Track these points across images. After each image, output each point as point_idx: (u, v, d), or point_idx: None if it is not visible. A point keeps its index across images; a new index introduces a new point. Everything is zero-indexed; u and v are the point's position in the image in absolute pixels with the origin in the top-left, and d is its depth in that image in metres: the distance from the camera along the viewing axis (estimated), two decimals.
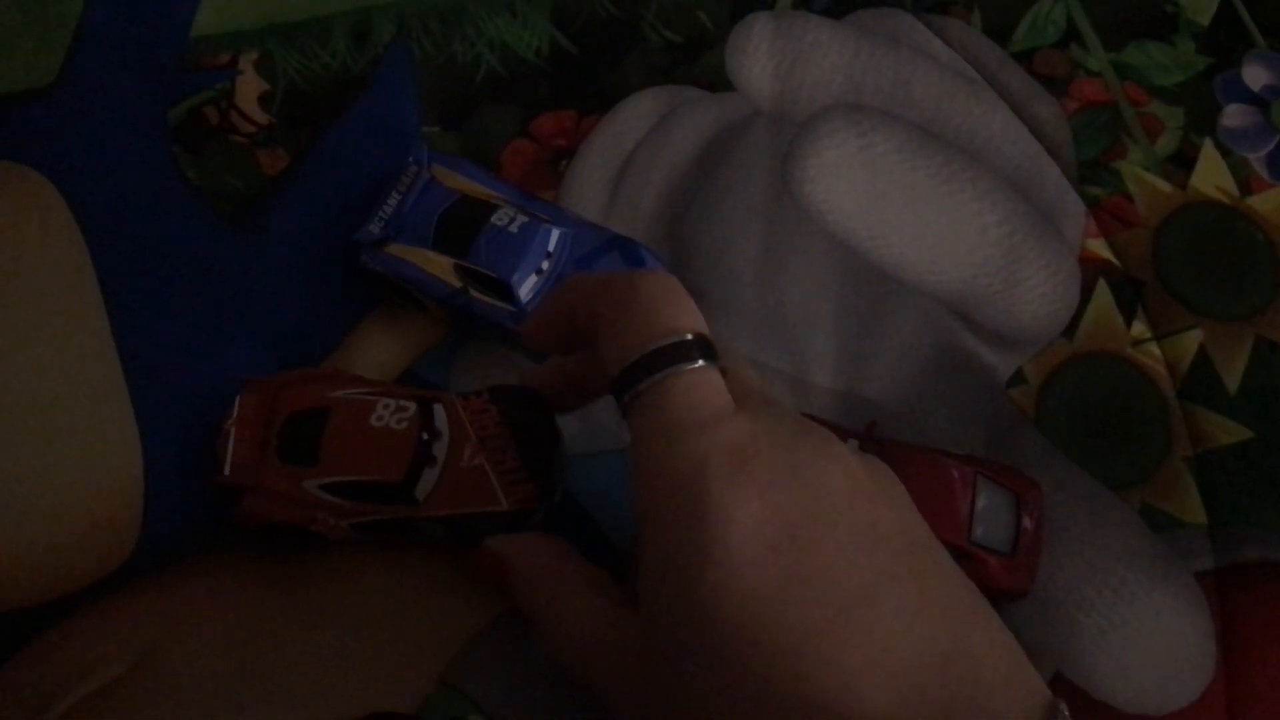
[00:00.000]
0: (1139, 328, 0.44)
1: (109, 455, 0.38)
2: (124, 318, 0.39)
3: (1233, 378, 0.43)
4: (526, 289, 0.39)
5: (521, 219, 0.40)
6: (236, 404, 0.36)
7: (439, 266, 0.40)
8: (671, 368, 0.28)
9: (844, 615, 0.25)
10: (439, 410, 0.35)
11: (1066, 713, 0.26)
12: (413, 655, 0.35)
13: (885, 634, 0.25)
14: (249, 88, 0.46)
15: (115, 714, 0.34)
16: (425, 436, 0.34)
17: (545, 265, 0.39)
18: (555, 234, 0.39)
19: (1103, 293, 0.44)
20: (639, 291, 0.29)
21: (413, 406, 0.35)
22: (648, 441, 0.28)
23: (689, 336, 0.28)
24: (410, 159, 0.42)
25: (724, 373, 0.29)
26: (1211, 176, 0.46)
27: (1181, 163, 0.46)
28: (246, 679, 0.35)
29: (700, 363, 0.28)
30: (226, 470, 0.35)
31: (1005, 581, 0.37)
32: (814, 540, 0.26)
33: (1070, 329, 0.44)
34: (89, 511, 0.37)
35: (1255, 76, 0.48)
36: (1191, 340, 0.43)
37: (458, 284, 0.40)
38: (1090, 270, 0.45)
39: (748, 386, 0.29)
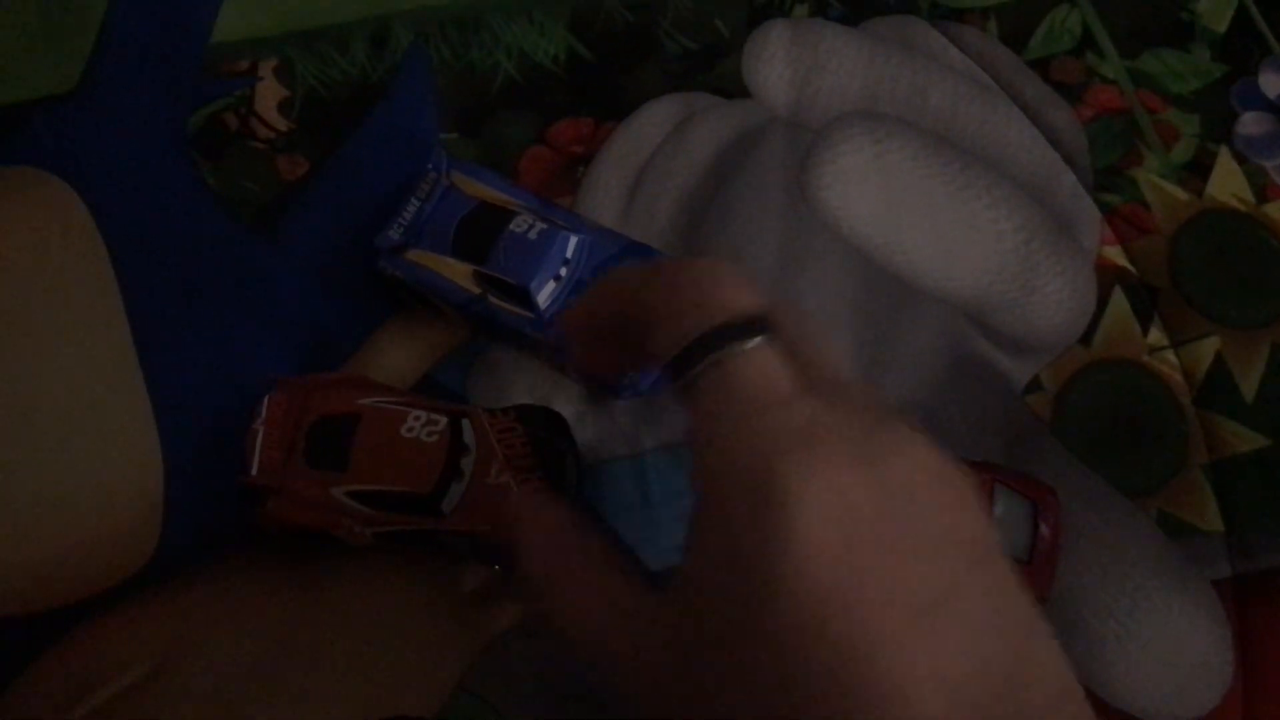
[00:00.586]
0: (1155, 335, 0.44)
1: (130, 460, 0.38)
2: (145, 323, 0.39)
3: (1249, 385, 0.43)
4: (545, 295, 0.39)
5: (540, 226, 0.40)
6: (265, 404, 0.36)
7: (458, 273, 0.40)
8: (732, 346, 0.26)
9: (912, 622, 0.24)
10: (467, 426, 0.35)
11: None
12: (433, 660, 0.35)
13: (951, 645, 0.24)
14: (268, 94, 0.46)
15: (137, 716, 0.34)
16: (454, 451, 0.34)
17: (563, 272, 0.39)
18: (573, 240, 0.40)
19: (1119, 300, 0.44)
20: (695, 273, 0.28)
21: (443, 420, 0.35)
22: (709, 424, 0.26)
23: (750, 315, 0.27)
24: (430, 165, 0.42)
25: (794, 352, 0.27)
26: (1228, 184, 0.46)
27: (1198, 170, 0.46)
28: (266, 682, 0.35)
29: (762, 341, 0.27)
30: (254, 471, 0.36)
31: None
32: (888, 539, 0.25)
33: (1087, 336, 0.44)
34: (110, 516, 0.37)
35: (1272, 84, 0.48)
36: (1208, 348, 0.43)
37: (476, 290, 0.40)
38: (1106, 277, 0.45)
39: (821, 367, 0.28)
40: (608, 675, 0.28)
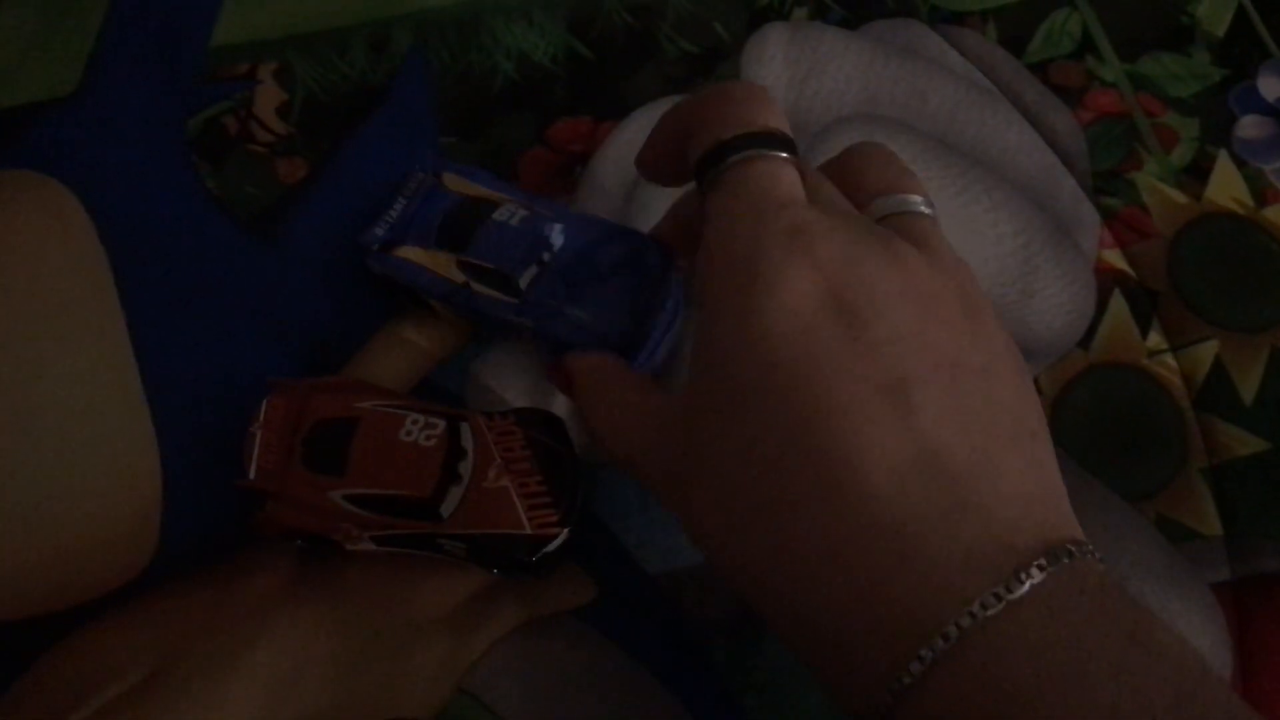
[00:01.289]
0: (1155, 339, 0.44)
1: (127, 463, 0.38)
2: (143, 327, 0.39)
3: (1249, 389, 0.43)
4: (527, 279, 0.39)
5: (522, 214, 0.40)
6: (263, 407, 0.36)
7: (441, 264, 0.40)
8: (752, 150, 0.30)
9: (870, 399, 0.26)
10: (465, 429, 0.35)
11: (1096, 554, 0.26)
12: (431, 663, 0.35)
13: (905, 427, 0.26)
14: (268, 98, 0.46)
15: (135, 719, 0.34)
16: (452, 455, 0.34)
17: (546, 257, 0.39)
18: (557, 227, 0.39)
19: (1118, 303, 0.44)
20: (728, 91, 0.31)
21: (441, 424, 0.35)
22: (718, 218, 0.30)
23: (774, 130, 0.30)
24: (417, 165, 0.42)
25: (804, 176, 0.30)
26: (1227, 188, 0.46)
27: (1197, 174, 0.46)
28: (265, 685, 0.35)
29: (782, 154, 0.30)
30: (251, 474, 0.36)
31: None
32: (859, 321, 0.27)
33: (1086, 340, 0.44)
34: (108, 519, 0.37)
35: (1271, 88, 0.48)
36: (1207, 351, 0.43)
37: (460, 280, 0.40)
38: (1106, 281, 0.45)
39: (830, 196, 0.31)
40: (635, 476, 0.31)
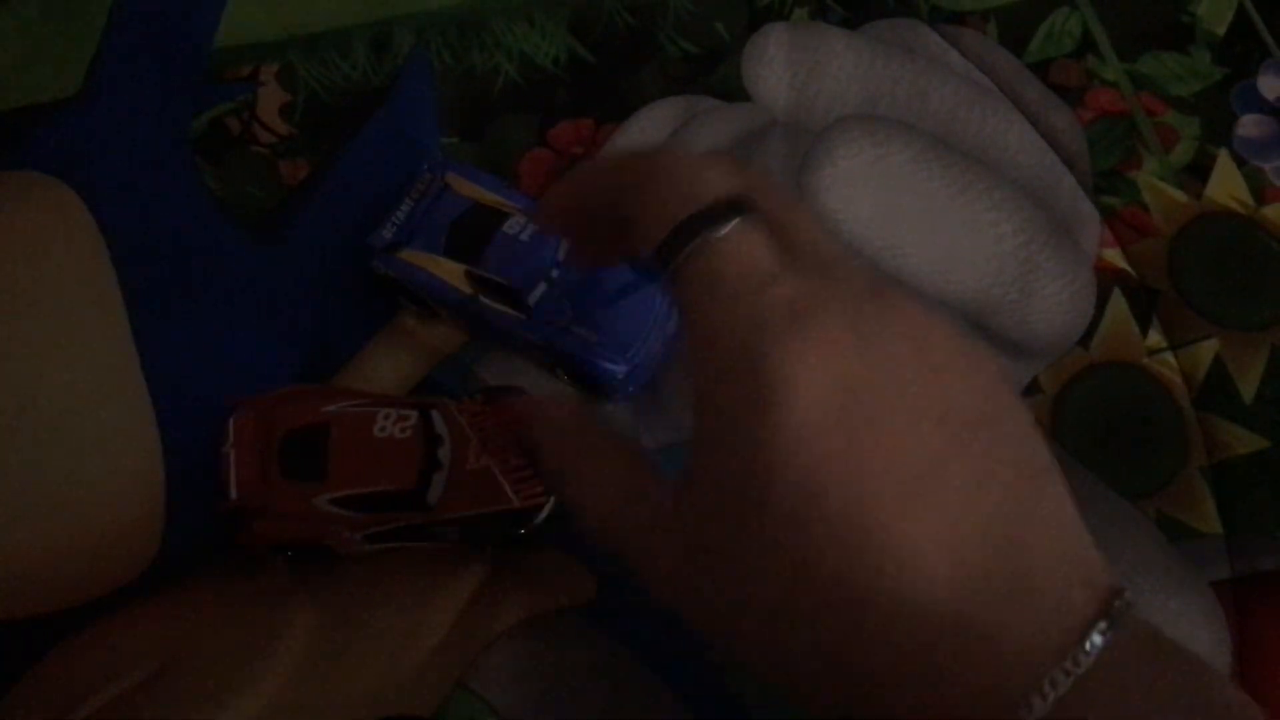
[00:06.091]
0: (1155, 337, 0.44)
1: (131, 463, 0.38)
2: (147, 327, 0.40)
3: (1248, 387, 0.43)
4: (535, 297, 0.39)
5: (532, 228, 0.40)
6: (231, 427, 0.36)
7: (450, 272, 0.40)
8: (712, 230, 0.27)
9: (909, 488, 0.24)
10: (437, 416, 0.35)
11: (1130, 599, 0.24)
12: (431, 659, 0.36)
13: (950, 508, 0.24)
14: (270, 99, 0.47)
15: (137, 718, 0.34)
16: (430, 443, 0.34)
17: (555, 274, 0.40)
18: (565, 244, 0.40)
19: (1118, 302, 0.44)
20: (672, 161, 0.28)
21: (414, 414, 0.35)
22: (699, 308, 0.27)
23: (729, 198, 0.27)
24: (425, 166, 0.42)
25: (779, 229, 0.28)
26: (1227, 186, 0.46)
27: (1197, 173, 0.46)
28: (266, 683, 0.35)
29: (741, 223, 0.27)
30: (233, 492, 0.36)
31: None
32: (880, 408, 0.25)
33: (1086, 338, 0.44)
34: (112, 519, 0.37)
35: (1271, 87, 0.48)
36: (1207, 350, 0.43)
37: (469, 290, 0.40)
38: (1106, 280, 0.45)
39: (807, 241, 0.28)
40: (625, 561, 0.28)
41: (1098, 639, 0.23)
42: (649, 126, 0.47)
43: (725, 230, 0.27)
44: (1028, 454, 0.26)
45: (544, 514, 0.34)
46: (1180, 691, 0.23)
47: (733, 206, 0.27)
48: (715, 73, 0.48)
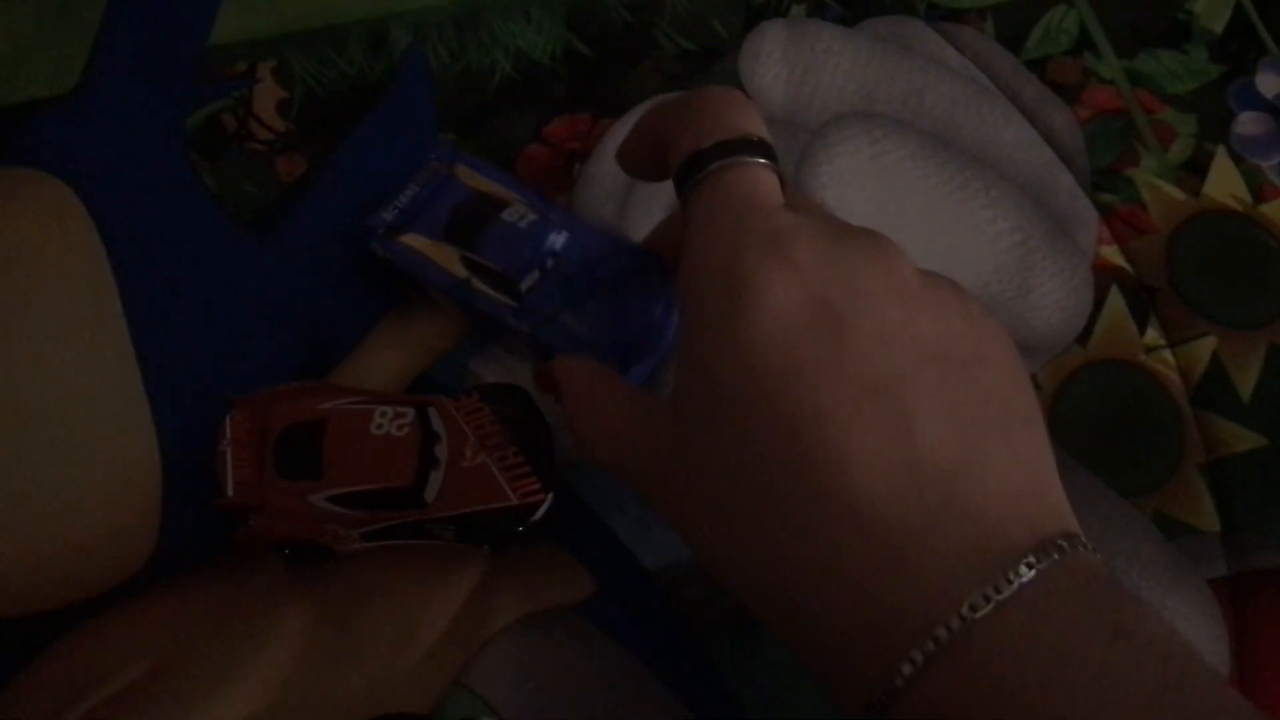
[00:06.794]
0: (1152, 335, 0.44)
1: (127, 461, 0.38)
2: (143, 325, 0.39)
3: (1246, 385, 0.43)
4: (528, 284, 0.39)
5: (531, 217, 0.40)
6: (228, 424, 0.36)
7: (446, 257, 0.40)
8: (732, 158, 0.29)
9: (857, 401, 0.26)
10: (434, 414, 0.35)
11: (1088, 545, 0.25)
12: (427, 657, 0.36)
13: (891, 430, 0.26)
14: (267, 95, 0.47)
15: (133, 718, 0.34)
16: (426, 440, 0.34)
17: (550, 263, 0.39)
18: (564, 234, 0.40)
19: (1116, 300, 0.44)
20: (707, 97, 0.31)
21: (410, 412, 0.35)
22: (697, 226, 0.29)
23: (753, 137, 0.30)
24: (433, 155, 0.42)
25: (784, 184, 0.30)
26: (1225, 184, 0.46)
27: (1195, 170, 0.47)
28: (264, 682, 0.35)
29: (761, 160, 0.29)
30: (229, 491, 0.36)
31: None
32: (842, 326, 0.26)
33: (1083, 336, 0.44)
34: (107, 517, 0.37)
35: (1269, 84, 0.48)
36: (1205, 347, 0.44)
37: (461, 275, 0.40)
38: (1104, 277, 0.45)
39: (810, 201, 0.31)
40: (621, 480, 0.31)
41: (1025, 570, 0.24)
42: None
43: (744, 160, 0.29)
44: (1008, 398, 0.27)
45: (541, 511, 0.34)
46: (1106, 626, 0.24)
47: (754, 144, 0.30)
48: (712, 69, 0.48)
